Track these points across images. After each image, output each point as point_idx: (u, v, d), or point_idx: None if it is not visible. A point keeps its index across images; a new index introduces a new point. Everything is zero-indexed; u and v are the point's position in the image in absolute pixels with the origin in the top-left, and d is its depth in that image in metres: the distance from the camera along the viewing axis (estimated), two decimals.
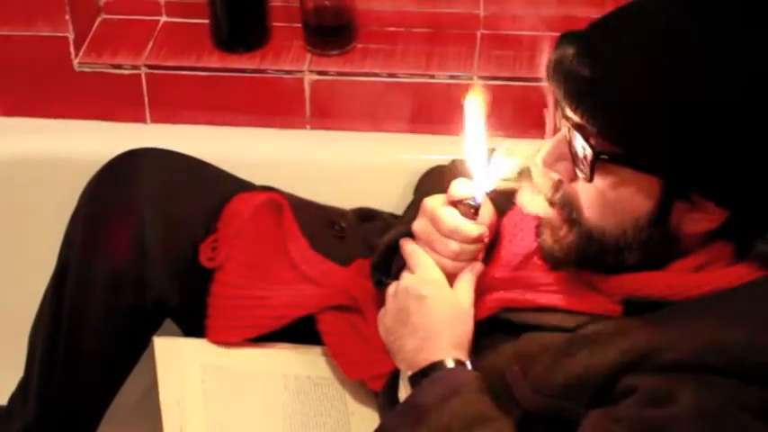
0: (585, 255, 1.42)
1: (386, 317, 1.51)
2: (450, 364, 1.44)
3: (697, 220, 1.36)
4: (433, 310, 1.47)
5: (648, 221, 1.37)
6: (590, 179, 1.36)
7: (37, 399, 1.76)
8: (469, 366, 1.45)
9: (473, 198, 1.49)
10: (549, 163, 1.41)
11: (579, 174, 1.37)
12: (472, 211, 1.49)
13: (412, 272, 1.50)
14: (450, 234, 1.49)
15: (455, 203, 1.50)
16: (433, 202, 1.51)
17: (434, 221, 1.50)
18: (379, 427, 1.49)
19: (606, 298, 1.44)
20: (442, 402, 1.39)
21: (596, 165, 1.34)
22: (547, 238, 1.45)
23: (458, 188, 1.50)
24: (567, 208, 1.42)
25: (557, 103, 1.41)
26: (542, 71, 1.43)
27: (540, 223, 1.47)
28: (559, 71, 1.37)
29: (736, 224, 1.36)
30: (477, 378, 1.43)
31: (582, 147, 1.35)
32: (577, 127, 1.35)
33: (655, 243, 1.38)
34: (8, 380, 1.83)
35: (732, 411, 1.26)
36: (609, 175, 1.35)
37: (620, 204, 1.37)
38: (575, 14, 2.09)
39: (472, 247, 1.50)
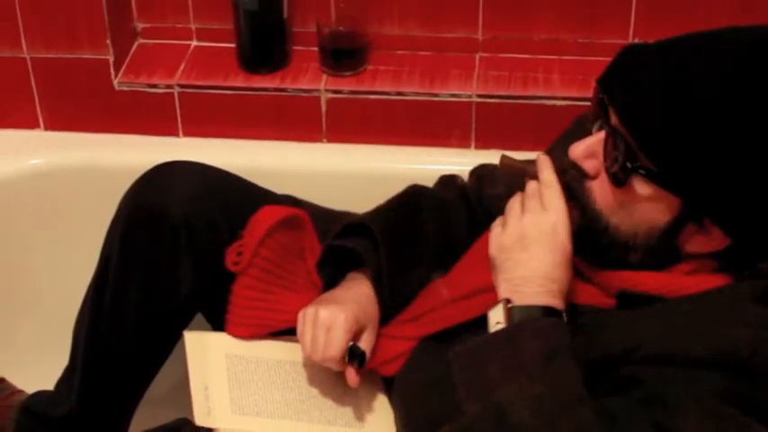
0: (594, 244, 1.44)
1: (504, 235, 1.46)
2: (548, 313, 1.41)
3: (700, 242, 1.41)
4: (556, 253, 1.43)
5: (660, 233, 1.41)
6: (622, 186, 1.39)
7: (80, 385, 1.82)
8: (565, 318, 1.42)
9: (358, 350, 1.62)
10: (580, 158, 1.44)
11: (611, 178, 1.40)
12: (352, 352, 1.62)
13: (542, 207, 1.45)
14: (324, 360, 1.62)
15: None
16: (335, 335, 1.58)
17: (324, 344, 1.60)
18: (473, 345, 1.43)
19: (601, 291, 1.48)
20: (545, 362, 1.35)
21: (631, 176, 1.38)
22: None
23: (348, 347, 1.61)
24: (584, 199, 1.44)
25: (598, 108, 1.43)
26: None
27: None
28: (616, 78, 1.39)
29: (732, 252, 1.41)
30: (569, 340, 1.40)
31: (620, 155, 1.37)
32: (619, 136, 1.38)
33: (658, 251, 1.43)
34: (55, 368, 1.89)
35: (718, 405, 1.30)
36: (638, 185, 1.39)
37: (639, 213, 1.41)
38: (565, 39, 2.18)
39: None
